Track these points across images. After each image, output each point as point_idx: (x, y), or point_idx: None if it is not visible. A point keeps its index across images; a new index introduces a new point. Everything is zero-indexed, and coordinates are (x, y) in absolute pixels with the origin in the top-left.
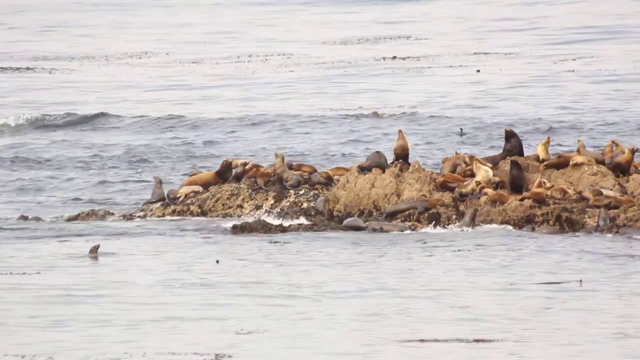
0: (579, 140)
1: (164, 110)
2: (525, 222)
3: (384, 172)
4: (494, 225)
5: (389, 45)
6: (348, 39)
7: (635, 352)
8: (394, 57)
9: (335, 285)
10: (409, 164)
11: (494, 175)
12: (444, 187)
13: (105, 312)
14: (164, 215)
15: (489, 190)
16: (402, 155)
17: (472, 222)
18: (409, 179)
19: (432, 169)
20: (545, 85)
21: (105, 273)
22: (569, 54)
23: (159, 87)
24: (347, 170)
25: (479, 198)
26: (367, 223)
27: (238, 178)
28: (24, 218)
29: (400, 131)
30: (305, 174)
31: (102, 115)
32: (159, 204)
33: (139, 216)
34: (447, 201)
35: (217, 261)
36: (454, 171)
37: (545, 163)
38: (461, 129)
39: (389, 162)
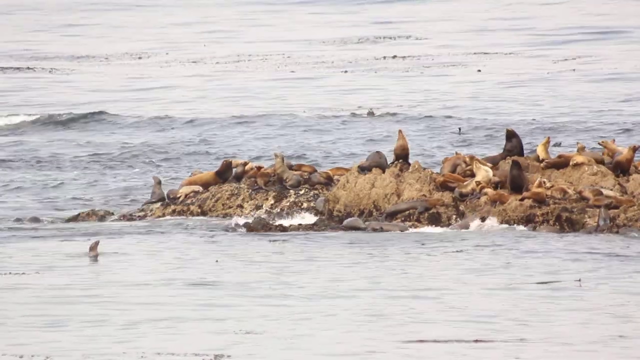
0: (577, 142)
1: (163, 110)
2: (525, 222)
3: (384, 172)
4: (494, 225)
5: (389, 44)
6: (348, 39)
7: (635, 352)
8: (394, 57)
9: (335, 285)
10: (409, 164)
11: (493, 175)
12: (444, 187)
13: (104, 312)
14: (164, 215)
15: (489, 190)
16: (402, 155)
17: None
18: (409, 179)
19: (430, 167)
20: (546, 85)
21: (104, 273)
22: (569, 54)
23: (159, 87)
24: (347, 170)
25: (479, 198)
26: (367, 223)
27: (238, 178)
28: (20, 219)
29: (400, 131)
30: (305, 174)
31: (102, 114)
32: (159, 204)
33: (139, 216)
34: (447, 201)
35: (217, 261)
36: (454, 171)
37: (545, 161)
38: (459, 128)
39: (388, 162)
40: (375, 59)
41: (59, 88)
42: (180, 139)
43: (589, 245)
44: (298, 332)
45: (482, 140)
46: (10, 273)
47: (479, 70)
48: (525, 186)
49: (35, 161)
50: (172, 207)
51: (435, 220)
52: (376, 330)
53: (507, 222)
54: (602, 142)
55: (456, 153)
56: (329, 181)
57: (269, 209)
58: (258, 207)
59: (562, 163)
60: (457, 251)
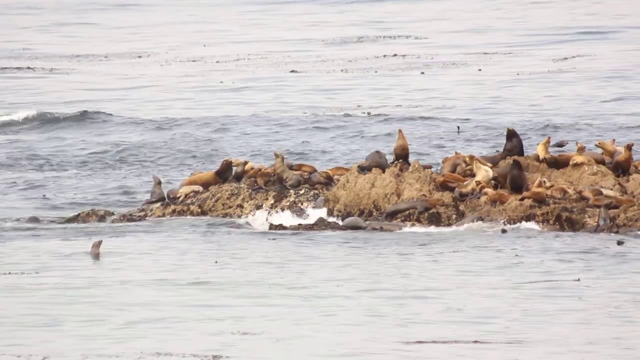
0: (577, 143)
1: (163, 110)
2: (525, 222)
3: (384, 171)
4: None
5: (388, 44)
6: (348, 38)
7: (635, 353)
8: (395, 55)
9: (334, 285)
10: (409, 164)
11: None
12: (444, 187)
13: (103, 312)
14: (164, 215)
15: (489, 190)
16: (402, 155)
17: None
18: (409, 179)
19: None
20: (546, 85)
21: (103, 273)
22: (569, 53)
23: (158, 86)
24: (347, 170)
25: (479, 198)
26: (367, 222)
27: (238, 178)
28: (19, 220)
29: (400, 131)
30: (305, 173)
31: (102, 114)
32: (159, 203)
33: (139, 216)
34: (447, 201)
35: (216, 261)
36: (454, 171)
37: (545, 158)
38: (458, 127)
39: (388, 161)
40: (376, 57)
41: (59, 87)
42: (180, 139)
43: (589, 245)
44: (297, 332)
45: (481, 140)
46: (9, 273)
47: (480, 70)
48: (525, 186)
49: (34, 161)
50: (172, 207)
51: (436, 220)
52: (375, 331)
53: (507, 222)
54: (599, 143)
55: (456, 153)
56: (329, 181)
57: (269, 209)
58: (258, 207)
59: (563, 161)
60: (456, 251)
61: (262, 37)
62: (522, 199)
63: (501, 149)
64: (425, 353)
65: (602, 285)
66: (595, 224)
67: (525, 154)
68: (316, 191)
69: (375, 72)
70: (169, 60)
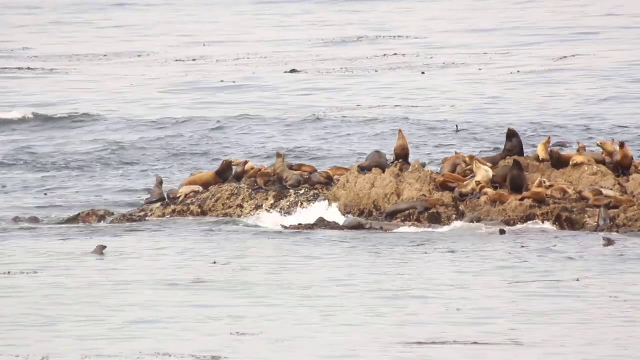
0: (578, 143)
1: (163, 109)
2: (525, 222)
3: (384, 171)
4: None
5: (388, 43)
6: (347, 38)
7: (635, 353)
8: (395, 55)
9: (333, 285)
10: (409, 164)
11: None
12: (444, 187)
13: (102, 312)
14: (164, 215)
15: (489, 190)
16: (402, 155)
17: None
18: (409, 179)
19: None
20: (546, 85)
21: (102, 273)
22: (569, 53)
23: (158, 86)
24: (347, 170)
25: (479, 198)
26: (368, 222)
27: (238, 178)
28: (20, 219)
29: (400, 131)
30: (306, 173)
31: (101, 113)
32: (159, 204)
33: (139, 216)
34: (447, 201)
35: (214, 262)
36: (454, 171)
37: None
38: (457, 126)
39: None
40: (375, 57)
41: (57, 87)
42: (180, 139)
43: (589, 245)
44: (296, 333)
45: (479, 140)
46: (9, 272)
47: (480, 69)
48: (525, 186)
49: (33, 161)
50: (172, 207)
51: (436, 220)
52: (374, 331)
53: (507, 222)
54: (601, 142)
55: (456, 153)
56: (329, 181)
57: (269, 209)
58: (258, 207)
59: (564, 160)
60: (455, 252)
61: (262, 36)
62: (522, 199)
63: (500, 149)
64: (424, 354)
65: (601, 285)
66: (595, 224)
67: (525, 154)
68: (316, 191)
69: (376, 71)
70: (169, 59)
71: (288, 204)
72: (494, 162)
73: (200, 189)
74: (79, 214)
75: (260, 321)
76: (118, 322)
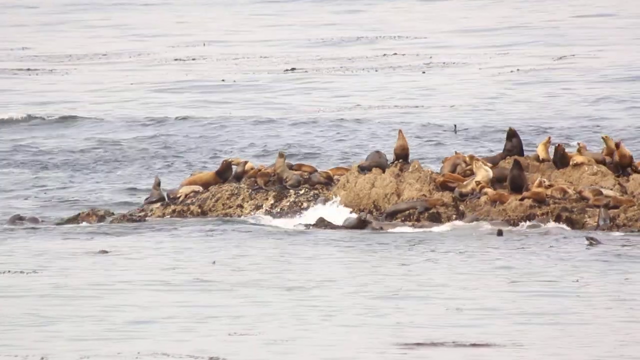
0: (578, 143)
1: (162, 109)
2: (525, 222)
3: (384, 171)
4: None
5: (388, 43)
6: (347, 37)
7: (634, 353)
8: (395, 54)
9: (332, 286)
10: (409, 164)
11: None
12: (444, 187)
13: (101, 312)
14: (164, 215)
15: (489, 190)
16: (402, 155)
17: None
18: (409, 179)
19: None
20: (546, 84)
21: (102, 273)
22: (568, 53)
23: (158, 86)
24: (347, 170)
25: (479, 198)
26: (372, 221)
27: (238, 178)
28: (19, 219)
29: (400, 131)
30: (305, 173)
31: (101, 114)
32: (158, 204)
33: (139, 216)
34: (447, 201)
35: (214, 262)
36: (453, 171)
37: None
38: (455, 126)
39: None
40: (375, 57)
41: (57, 87)
42: (179, 139)
43: (589, 246)
44: (295, 333)
45: (478, 139)
46: (9, 271)
47: (480, 69)
48: (525, 186)
49: (32, 160)
50: (172, 207)
51: (435, 220)
52: (373, 332)
53: (507, 222)
54: (605, 136)
55: (456, 153)
56: (329, 181)
57: (269, 209)
58: (258, 207)
59: (567, 158)
60: (454, 252)
61: (261, 36)
62: (522, 199)
63: (498, 148)
64: (423, 355)
65: (601, 285)
66: (595, 224)
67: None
68: (316, 191)
69: (376, 71)
70: (168, 59)
71: (288, 204)
72: (494, 162)
73: (200, 188)
74: (79, 214)
75: (259, 321)
76: (117, 322)
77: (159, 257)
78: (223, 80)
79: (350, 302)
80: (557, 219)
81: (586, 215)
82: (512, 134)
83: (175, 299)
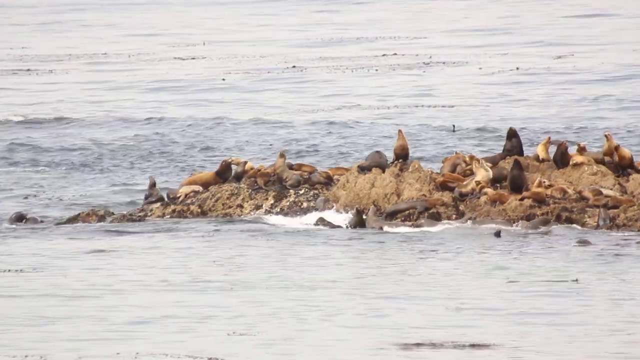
0: (579, 144)
1: (161, 108)
2: (524, 222)
3: (384, 171)
4: (493, 225)
5: (388, 43)
6: (347, 37)
7: (634, 353)
8: (395, 54)
9: (332, 286)
10: (409, 164)
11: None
12: (443, 187)
13: (99, 312)
14: (163, 215)
15: (489, 190)
16: (401, 155)
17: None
18: (409, 179)
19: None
20: (546, 84)
21: (101, 273)
22: (567, 52)
23: (157, 85)
24: (347, 170)
25: (479, 198)
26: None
27: (238, 178)
28: (21, 218)
29: (400, 131)
30: (305, 173)
31: (100, 114)
32: (158, 203)
33: (139, 216)
34: (447, 201)
35: (214, 262)
36: (453, 171)
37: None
38: (454, 126)
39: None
40: (375, 57)
41: (56, 87)
42: (178, 140)
43: (589, 245)
44: (294, 333)
45: (476, 139)
46: (9, 270)
47: (480, 69)
48: (525, 186)
49: (32, 160)
50: (172, 207)
51: (435, 220)
52: (372, 333)
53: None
54: (608, 134)
55: (456, 153)
56: (328, 181)
57: (269, 209)
58: (258, 207)
59: (567, 158)
60: (454, 252)
61: (261, 35)
62: (522, 199)
63: (498, 148)
64: (423, 355)
65: (600, 285)
66: (595, 224)
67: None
68: (316, 191)
69: (376, 70)
70: (168, 58)
71: (288, 204)
72: (493, 162)
73: (200, 188)
74: (79, 214)
75: (258, 321)
76: (116, 322)
77: (158, 257)
78: (223, 79)
79: (350, 302)
80: (557, 218)
81: (586, 215)
82: (512, 134)
83: (175, 299)
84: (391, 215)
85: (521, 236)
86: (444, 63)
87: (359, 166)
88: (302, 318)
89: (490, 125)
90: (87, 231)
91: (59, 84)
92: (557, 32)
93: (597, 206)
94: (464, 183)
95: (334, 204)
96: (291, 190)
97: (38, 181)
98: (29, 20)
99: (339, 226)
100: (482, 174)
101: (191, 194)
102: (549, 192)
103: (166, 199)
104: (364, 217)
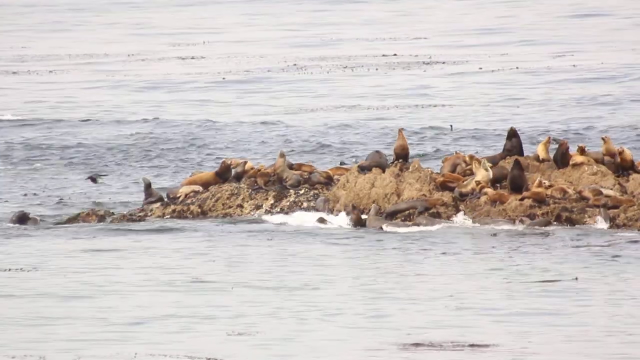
0: (579, 146)
1: (161, 108)
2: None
3: (384, 171)
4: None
5: (388, 43)
6: (347, 37)
7: (634, 352)
8: (395, 55)
9: (331, 286)
10: (409, 164)
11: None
12: (443, 187)
13: (99, 312)
14: (163, 215)
15: (489, 190)
16: (402, 155)
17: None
18: (409, 179)
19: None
20: (544, 84)
21: (101, 273)
22: (567, 52)
23: (157, 85)
24: (347, 170)
25: (478, 198)
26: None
27: (238, 178)
28: (23, 218)
29: (400, 131)
30: (305, 173)
31: (99, 114)
32: (158, 203)
33: (139, 216)
34: (447, 201)
35: (213, 261)
36: (453, 171)
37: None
38: (451, 125)
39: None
40: (374, 57)
41: (56, 87)
42: (177, 140)
43: (588, 245)
44: (293, 333)
45: (475, 139)
46: (9, 269)
47: (480, 68)
48: (525, 186)
49: (31, 160)
50: (172, 207)
51: (435, 220)
52: (371, 333)
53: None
54: (606, 137)
55: (456, 152)
56: (329, 181)
57: (269, 209)
58: (258, 207)
59: (568, 157)
60: (454, 252)
61: (262, 35)
62: (522, 199)
63: (498, 148)
64: (423, 355)
65: (600, 285)
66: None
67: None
68: (316, 191)
69: (376, 69)
70: (168, 58)
71: (288, 204)
72: (493, 162)
73: (200, 188)
74: (79, 214)
75: (258, 321)
76: (115, 322)
77: (158, 257)
78: (224, 78)
79: (350, 302)
80: (557, 218)
81: (586, 215)
82: (512, 134)
83: (174, 299)
84: (391, 215)
85: (521, 236)
86: (443, 63)
87: (359, 166)
88: (302, 318)
89: (490, 125)
90: (87, 231)
91: (58, 84)
92: (557, 31)
93: (597, 206)
94: (464, 183)
95: (334, 204)
96: (291, 190)
97: (37, 181)
98: (28, 19)
99: (339, 226)
100: (482, 174)
101: (191, 194)
102: (549, 192)
103: (166, 199)
104: (363, 217)
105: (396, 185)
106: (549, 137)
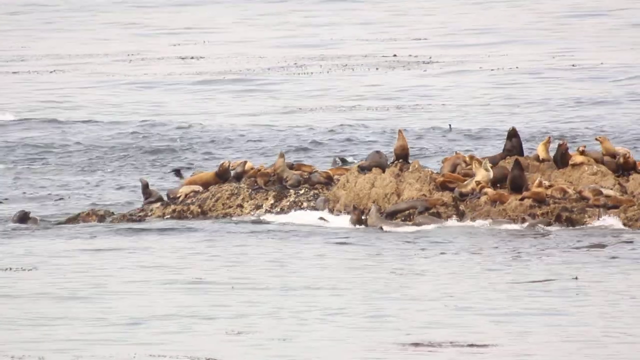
0: (577, 148)
1: (161, 108)
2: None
3: (384, 171)
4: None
5: (388, 43)
6: (347, 37)
7: (635, 354)
8: (395, 55)
9: (331, 286)
10: (409, 164)
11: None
12: (443, 187)
13: (98, 312)
14: (163, 215)
15: (489, 190)
16: (402, 155)
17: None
18: (409, 179)
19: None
20: (544, 84)
21: (100, 273)
22: (567, 52)
23: (157, 85)
24: (347, 170)
25: (479, 198)
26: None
27: (238, 178)
28: (24, 217)
29: (400, 131)
30: (305, 173)
31: (99, 114)
32: (158, 203)
33: (139, 216)
34: (447, 201)
35: (213, 261)
36: (453, 171)
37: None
38: (450, 125)
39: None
40: (374, 57)
41: (55, 86)
42: (177, 141)
43: (588, 245)
44: (293, 334)
45: (475, 138)
46: (9, 269)
47: (480, 68)
48: (525, 186)
49: (31, 160)
50: (172, 207)
51: (434, 220)
52: (371, 333)
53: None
54: (600, 137)
55: (456, 152)
56: (329, 181)
57: (269, 209)
58: (258, 207)
59: (568, 157)
60: (454, 252)
61: (261, 34)
62: (522, 199)
63: (498, 148)
64: (423, 355)
65: (600, 285)
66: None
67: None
68: (316, 191)
69: (377, 69)
70: (168, 58)
71: (288, 204)
72: (493, 162)
73: (200, 188)
74: (79, 214)
75: (258, 322)
76: (115, 322)
77: (158, 257)
78: (224, 77)
79: (349, 302)
80: (557, 218)
81: (586, 215)
82: (512, 134)
83: (174, 299)
84: (391, 215)
85: (521, 236)
86: (443, 63)
87: (359, 166)
88: (302, 318)
89: (491, 125)
90: (87, 231)
91: (58, 84)
92: (556, 31)
93: (598, 206)
94: (464, 183)
95: (334, 204)
96: (291, 190)
97: (37, 181)
98: (28, 19)
99: (339, 226)
100: (482, 174)
101: (191, 194)
102: (549, 192)
103: (166, 199)
104: (364, 216)
105: (396, 185)
106: (549, 137)
